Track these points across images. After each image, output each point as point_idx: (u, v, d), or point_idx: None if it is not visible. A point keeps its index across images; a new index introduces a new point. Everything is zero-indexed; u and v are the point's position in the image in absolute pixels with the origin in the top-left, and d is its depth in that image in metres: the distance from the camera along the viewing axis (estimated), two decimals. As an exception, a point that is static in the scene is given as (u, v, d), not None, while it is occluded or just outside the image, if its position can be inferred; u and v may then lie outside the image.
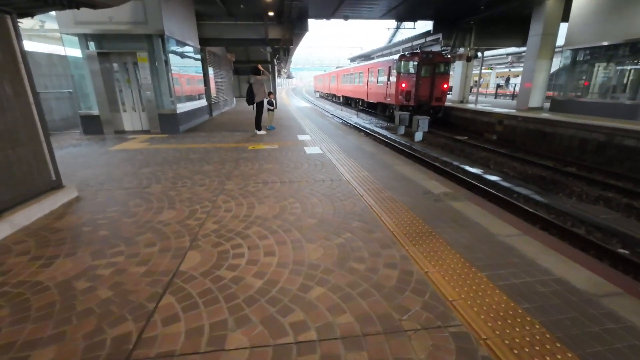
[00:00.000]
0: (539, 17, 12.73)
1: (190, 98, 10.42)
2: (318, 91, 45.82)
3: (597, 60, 11.67)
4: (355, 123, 17.12)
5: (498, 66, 37.22)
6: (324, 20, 18.58)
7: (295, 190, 4.02)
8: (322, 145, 6.94)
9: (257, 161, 5.55)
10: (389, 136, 13.47)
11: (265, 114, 8.94)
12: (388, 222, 3.08)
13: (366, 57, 34.44)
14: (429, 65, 15.48)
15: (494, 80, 36.76)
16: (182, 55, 9.86)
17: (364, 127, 15.57)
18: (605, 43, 11.23)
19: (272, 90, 9.73)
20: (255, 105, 8.33)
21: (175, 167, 5.21)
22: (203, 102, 11.79)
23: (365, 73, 20.40)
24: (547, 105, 14.00)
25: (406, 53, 15.47)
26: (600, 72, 11.67)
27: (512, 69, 36.53)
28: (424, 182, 4.32)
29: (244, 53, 22.52)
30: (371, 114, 21.02)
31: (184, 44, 9.96)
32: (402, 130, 14.19)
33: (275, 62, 28.00)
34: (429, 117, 12.37)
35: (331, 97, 34.81)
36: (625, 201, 6.16)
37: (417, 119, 12.16)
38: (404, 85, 15.49)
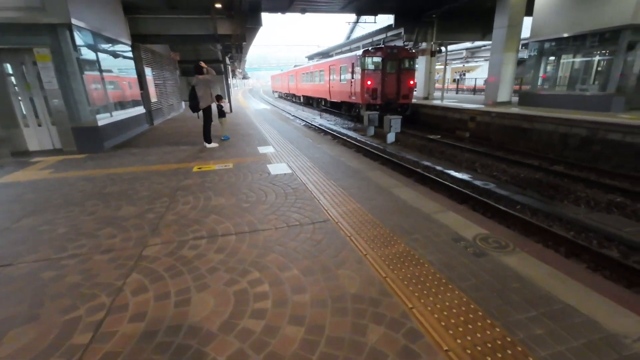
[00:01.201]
0: (503, 9, 12.28)
1: (120, 105, 8.43)
2: (276, 91, 44.03)
3: (564, 51, 11.43)
4: (319, 125, 15.85)
5: (453, 62, 38.10)
6: (279, 14, 17.09)
7: (260, 249, 2.58)
8: (291, 160, 5.52)
9: (203, 192, 3.99)
10: (358, 138, 12.34)
11: (216, 121, 7.32)
12: (431, 323, 1.75)
13: (325, 54, 33.39)
14: (394, 60, 14.62)
15: (449, 75, 37.55)
16: (104, 52, 7.87)
17: (330, 129, 14.34)
18: (566, 35, 11.01)
19: (221, 93, 8.01)
20: (201, 112, 6.68)
21: (77, 212, 3.50)
22: (139, 110, 9.79)
23: (327, 71, 19.20)
24: (515, 99, 13.76)
25: (370, 48, 14.47)
26: (568, 64, 11.45)
27: (467, 64, 37.62)
28: (441, 216, 3.09)
29: (192, 52, 20.30)
30: (335, 114, 19.88)
31: (106, 39, 7.98)
32: (371, 131, 13.16)
33: (228, 62, 25.97)
34: (401, 117, 11.40)
35: (291, 97, 33.30)
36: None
37: (389, 119, 11.14)
38: (369, 82, 14.48)
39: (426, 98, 18.31)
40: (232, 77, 45.20)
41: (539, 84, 12.54)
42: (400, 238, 2.68)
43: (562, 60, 11.62)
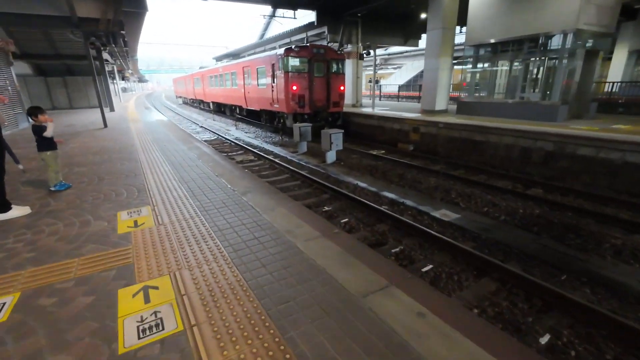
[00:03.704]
0: (436, 10, 11.11)
1: None
2: (180, 97, 38.29)
3: (501, 57, 10.73)
4: (235, 139, 12.65)
5: (367, 68, 38.53)
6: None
7: None
8: (185, 256, 2.50)
9: None
10: (289, 158, 9.66)
11: (35, 159, 3.76)
12: None
13: (235, 56, 29.76)
14: (321, 62, 12.39)
15: (364, 82, 37.87)
16: None
17: (252, 147, 11.32)
18: (493, 40, 10.34)
19: (43, 108, 4.11)
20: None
21: None
22: None
23: (240, 73, 15.98)
24: (452, 107, 12.87)
25: (293, 47, 11.93)
26: (506, 70, 10.81)
27: (379, 72, 38.41)
28: None
29: (46, 42, 14.76)
30: (254, 124, 16.78)
31: None
32: (303, 147, 10.61)
33: (111, 59, 20.41)
34: (342, 131, 9.11)
35: (198, 104, 28.68)
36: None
37: (329, 134, 8.73)
38: (295, 87, 11.93)
39: (354, 105, 16.68)
40: (122, 80, 37.63)
41: (476, 91, 11.77)
42: None
43: (499, 67, 10.94)
